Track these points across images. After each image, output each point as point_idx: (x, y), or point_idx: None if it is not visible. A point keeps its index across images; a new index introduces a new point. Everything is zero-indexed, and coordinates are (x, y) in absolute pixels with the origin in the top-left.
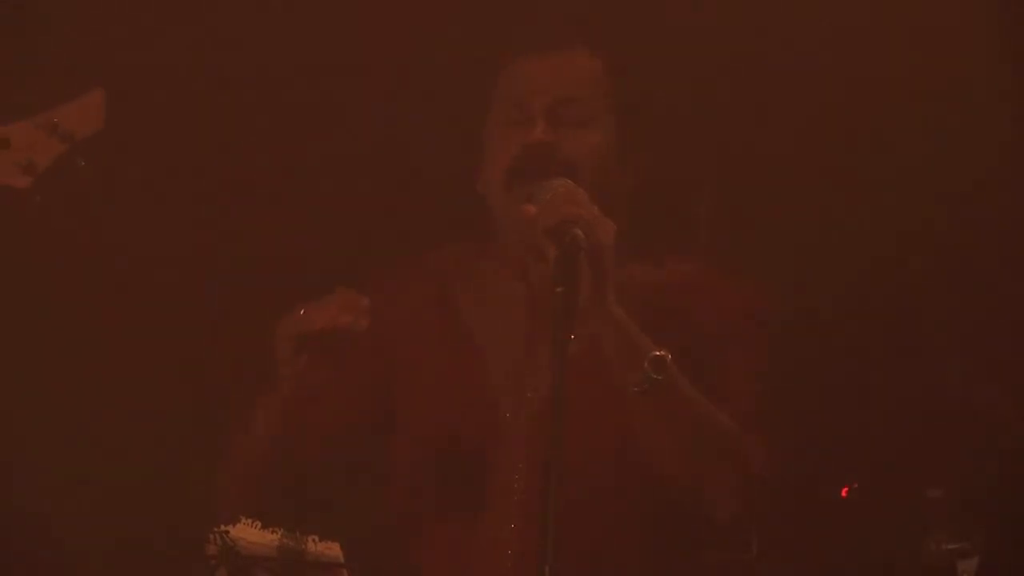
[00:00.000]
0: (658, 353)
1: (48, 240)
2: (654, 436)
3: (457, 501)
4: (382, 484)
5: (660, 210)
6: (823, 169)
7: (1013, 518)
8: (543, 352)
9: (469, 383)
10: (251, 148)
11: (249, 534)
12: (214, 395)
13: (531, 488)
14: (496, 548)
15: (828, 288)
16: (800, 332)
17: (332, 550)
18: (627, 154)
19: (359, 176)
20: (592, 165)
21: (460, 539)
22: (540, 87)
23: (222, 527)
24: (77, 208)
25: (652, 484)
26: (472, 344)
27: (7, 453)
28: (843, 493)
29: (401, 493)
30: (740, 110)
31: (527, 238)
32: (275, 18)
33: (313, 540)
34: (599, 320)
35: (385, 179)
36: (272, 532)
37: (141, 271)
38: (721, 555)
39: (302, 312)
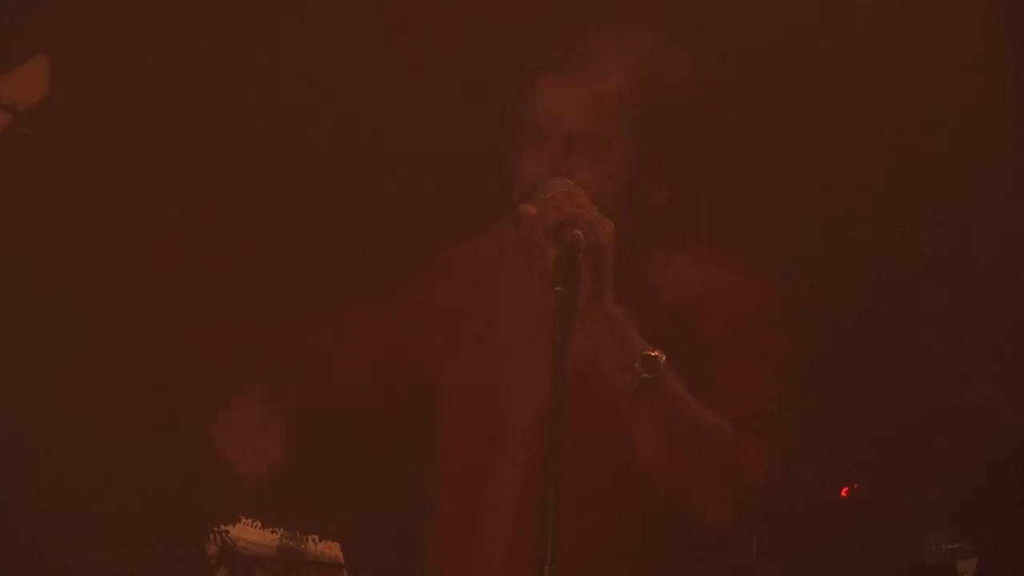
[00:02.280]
0: (651, 353)
1: (47, 242)
2: (646, 436)
3: (462, 502)
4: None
5: (664, 209)
6: (821, 170)
7: (1013, 518)
8: (547, 350)
9: (484, 379)
10: (265, 146)
11: (249, 534)
12: (213, 394)
13: (534, 489)
14: (501, 549)
15: (827, 288)
16: (799, 332)
17: (332, 550)
18: (647, 172)
19: (381, 174)
20: (611, 192)
21: (466, 539)
22: (558, 114)
23: (222, 527)
24: (78, 209)
25: (652, 485)
26: (492, 339)
27: (7, 453)
28: (843, 493)
29: (415, 491)
30: (745, 111)
31: (528, 238)
32: (300, 18)
33: (313, 540)
34: (596, 319)
35: (407, 176)
36: (272, 532)
37: (144, 272)
38: (721, 556)
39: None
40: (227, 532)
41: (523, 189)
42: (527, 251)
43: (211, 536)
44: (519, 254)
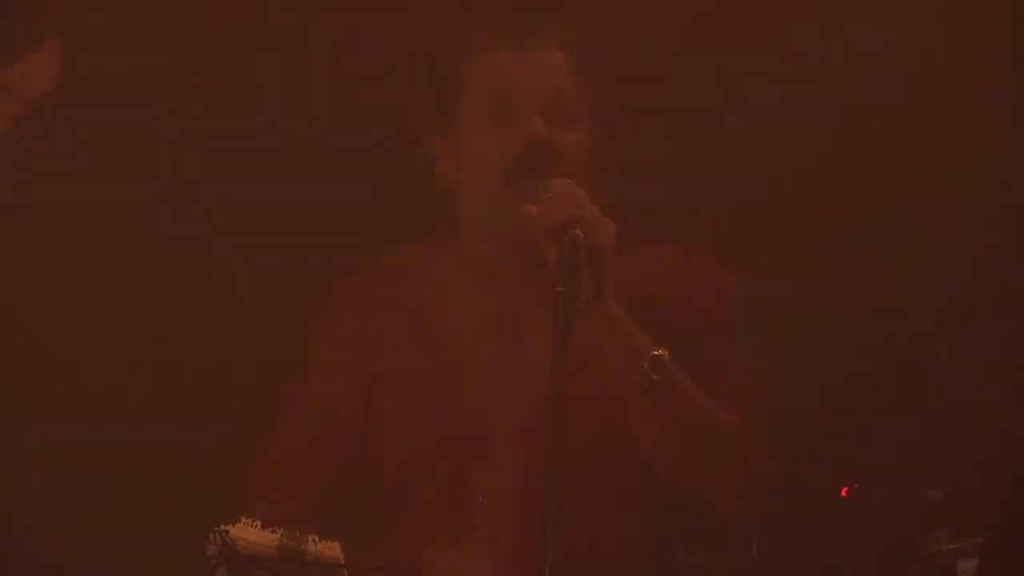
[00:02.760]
0: (657, 352)
1: (44, 244)
2: (654, 435)
3: (446, 512)
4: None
5: (644, 202)
6: (821, 163)
7: (1013, 518)
8: (518, 355)
9: (445, 393)
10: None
11: (249, 534)
12: (211, 395)
13: (520, 495)
14: (487, 555)
15: (827, 286)
16: (799, 331)
17: (332, 550)
18: (609, 149)
19: (317, 174)
20: (587, 163)
21: (465, 540)
22: (530, 85)
23: (222, 527)
24: (76, 215)
25: (652, 484)
26: (445, 351)
27: (7, 454)
28: (843, 493)
29: (390, 504)
30: (724, 103)
31: (528, 238)
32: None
33: (313, 540)
34: (597, 320)
35: (340, 179)
36: (272, 532)
37: (125, 275)
38: (721, 555)
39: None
40: (227, 532)
41: (507, 171)
42: (527, 251)
43: (211, 536)
44: (472, 254)
